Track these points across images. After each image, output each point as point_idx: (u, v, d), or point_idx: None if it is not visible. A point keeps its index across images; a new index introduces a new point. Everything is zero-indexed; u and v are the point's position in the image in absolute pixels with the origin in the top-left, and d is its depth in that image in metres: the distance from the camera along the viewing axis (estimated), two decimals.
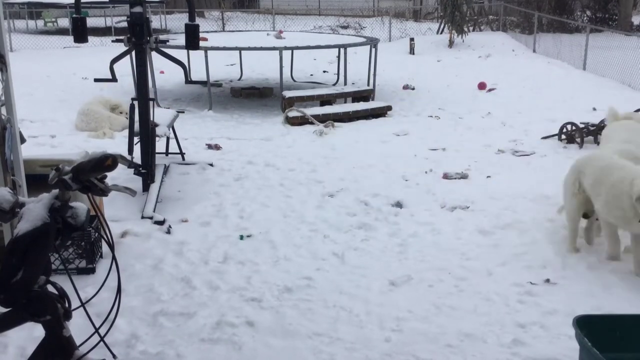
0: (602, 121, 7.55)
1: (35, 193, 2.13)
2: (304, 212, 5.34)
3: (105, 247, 4.36)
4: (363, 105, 9.71)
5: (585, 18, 23.33)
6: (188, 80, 6.30)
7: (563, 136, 7.72)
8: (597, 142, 7.50)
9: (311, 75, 13.66)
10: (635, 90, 11.37)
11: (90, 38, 6.15)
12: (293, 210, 5.39)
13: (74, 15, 5.65)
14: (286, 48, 10.27)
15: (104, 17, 25.51)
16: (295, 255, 4.48)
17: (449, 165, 6.77)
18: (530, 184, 6.03)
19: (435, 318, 3.60)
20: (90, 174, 1.92)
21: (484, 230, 4.91)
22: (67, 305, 1.97)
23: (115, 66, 6.02)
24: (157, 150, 5.93)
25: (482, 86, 11.79)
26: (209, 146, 7.54)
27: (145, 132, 5.52)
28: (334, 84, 11.91)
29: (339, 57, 11.93)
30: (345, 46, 10.89)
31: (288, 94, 9.70)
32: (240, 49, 11.64)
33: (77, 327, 2.20)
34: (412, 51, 17.76)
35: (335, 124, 8.82)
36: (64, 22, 24.68)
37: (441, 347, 3.30)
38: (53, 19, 26.13)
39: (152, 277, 4.07)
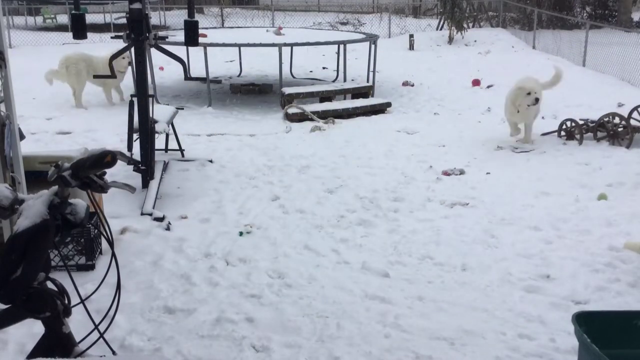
0: (601, 118, 7.54)
1: (35, 190, 2.12)
2: (304, 208, 5.34)
3: (104, 244, 4.36)
4: (362, 102, 9.69)
5: (585, 14, 23.30)
6: (187, 77, 6.30)
7: (562, 132, 7.71)
8: (596, 138, 7.50)
9: (310, 71, 13.64)
10: (635, 87, 11.36)
11: (89, 34, 6.14)
12: (292, 206, 5.39)
13: (73, 12, 5.64)
14: (285, 44, 10.26)
15: (102, 13, 25.47)
16: (295, 251, 4.47)
17: (448, 161, 6.77)
18: (530, 181, 6.03)
19: (435, 314, 3.60)
20: (90, 170, 1.92)
21: (483, 227, 4.92)
22: (66, 301, 1.96)
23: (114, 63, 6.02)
24: (156, 147, 5.93)
25: (476, 83, 11.82)
26: None
27: (145, 129, 5.52)
28: (334, 81, 11.89)
29: (338, 53, 11.91)
30: (344, 43, 10.87)
31: (287, 90, 9.69)
32: (239, 46, 11.65)
33: (77, 324, 2.20)
34: (411, 47, 17.75)
35: (335, 120, 8.82)
36: (63, 19, 24.65)
37: (441, 343, 3.30)
38: (52, 16, 26.10)
39: (152, 274, 4.07)
